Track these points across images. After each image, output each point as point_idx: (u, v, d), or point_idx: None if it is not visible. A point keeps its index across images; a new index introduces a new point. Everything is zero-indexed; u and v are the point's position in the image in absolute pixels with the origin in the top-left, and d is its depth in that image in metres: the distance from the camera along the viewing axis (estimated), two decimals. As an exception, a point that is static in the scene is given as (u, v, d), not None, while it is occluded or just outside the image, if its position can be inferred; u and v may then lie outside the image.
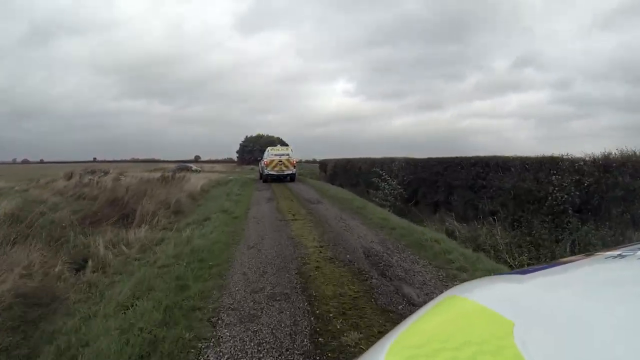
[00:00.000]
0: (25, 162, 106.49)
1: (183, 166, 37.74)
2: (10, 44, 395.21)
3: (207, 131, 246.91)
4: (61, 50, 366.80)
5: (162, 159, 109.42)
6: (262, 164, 18.87)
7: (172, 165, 40.49)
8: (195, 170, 36.26)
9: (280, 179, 17.96)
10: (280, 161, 17.87)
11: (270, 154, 18.35)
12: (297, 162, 19.07)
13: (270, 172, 17.78)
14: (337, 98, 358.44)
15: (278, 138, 70.09)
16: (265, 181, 17.98)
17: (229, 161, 74.79)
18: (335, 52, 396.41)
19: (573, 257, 0.70)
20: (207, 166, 47.96)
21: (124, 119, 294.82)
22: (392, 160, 14.99)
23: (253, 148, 63.51)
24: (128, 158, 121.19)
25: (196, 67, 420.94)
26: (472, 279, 0.76)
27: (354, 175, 19.34)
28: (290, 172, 17.98)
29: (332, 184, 18.96)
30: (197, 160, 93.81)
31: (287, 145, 21.06)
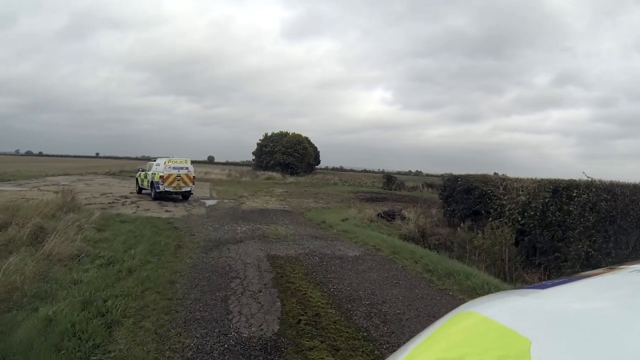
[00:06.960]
0: (28, 154, 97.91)
1: (146, 170, 23.51)
2: (47, 35, 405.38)
3: (231, 132, 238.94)
4: (98, 44, 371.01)
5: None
6: (151, 177, 14.72)
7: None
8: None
9: (176, 196, 14.71)
10: (179, 176, 14.35)
11: (168, 166, 14.25)
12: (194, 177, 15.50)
13: (166, 189, 14.14)
14: (373, 105, 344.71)
15: (306, 138, 55.38)
16: (156, 199, 14.24)
17: (246, 164, 60.94)
18: (377, 61, 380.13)
19: (594, 271, 0.64)
20: (203, 170, 33.03)
21: (146, 116, 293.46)
22: None
23: (274, 149, 48.09)
24: (138, 156, 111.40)
25: (233, 68, 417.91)
26: None
27: None
28: (188, 189, 14.70)
29: None
30: (210, 161, 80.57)
31: (176, 157, 15.51)
